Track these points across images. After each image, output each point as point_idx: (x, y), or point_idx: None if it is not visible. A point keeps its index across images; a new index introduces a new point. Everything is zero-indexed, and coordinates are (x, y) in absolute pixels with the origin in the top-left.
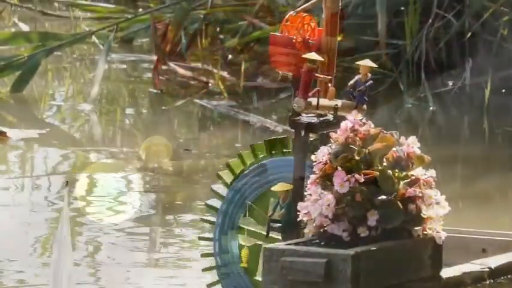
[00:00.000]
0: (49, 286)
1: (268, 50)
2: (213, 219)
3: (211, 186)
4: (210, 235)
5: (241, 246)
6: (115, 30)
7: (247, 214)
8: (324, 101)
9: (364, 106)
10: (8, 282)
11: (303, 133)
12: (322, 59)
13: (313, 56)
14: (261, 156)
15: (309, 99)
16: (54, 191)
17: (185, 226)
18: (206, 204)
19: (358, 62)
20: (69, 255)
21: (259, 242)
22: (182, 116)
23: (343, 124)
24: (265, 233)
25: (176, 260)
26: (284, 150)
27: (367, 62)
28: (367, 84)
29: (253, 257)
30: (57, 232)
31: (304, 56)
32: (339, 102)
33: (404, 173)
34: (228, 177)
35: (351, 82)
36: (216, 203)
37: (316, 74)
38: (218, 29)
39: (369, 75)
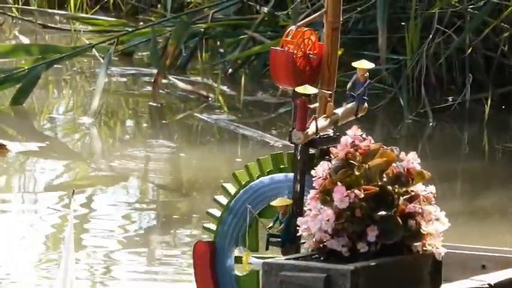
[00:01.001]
0: None
1: (269, 64)
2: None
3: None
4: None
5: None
6: (115, 43)
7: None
8: (322, 123)
9: (365, 105)
10: None
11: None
12: (316, 91)
13: (306, 89)
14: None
15: (307, 130)
16: (54, 204)
17: (182, 239)
18: (207, 213)
19: (354, 64)
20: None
21: (255, 270)
22: (182, 129)
23: (343, 139)
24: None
25: (175, 274)
26: (281, 166)
27: (363, 63)
28: (366, 85)
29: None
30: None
31: (296, 89)
32: (339, 111)
33: (404, 189)
34: (231, 189)
35: (349, 84)
36: (217, 212)
37: (310, 106)
38: (218, 43)
39: (367, 75)
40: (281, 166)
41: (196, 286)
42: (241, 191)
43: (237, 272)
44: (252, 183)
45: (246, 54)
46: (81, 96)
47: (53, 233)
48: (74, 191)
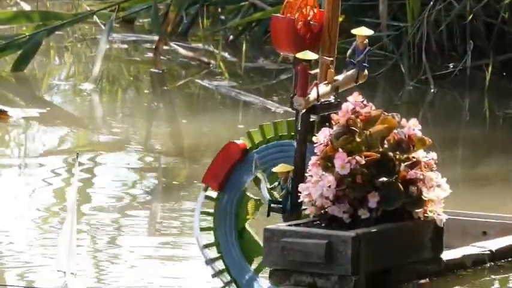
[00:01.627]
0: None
1: (270, 31)
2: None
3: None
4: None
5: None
6: (116, 10)
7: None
8: (323, 89)
9: (366, 72)
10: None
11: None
12: (316, 57)
13: (306, 55)
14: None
15: (308, 96)
16: (56, 169)
17: (185, 205)
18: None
19: (353, 31)
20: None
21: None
22: (183, 96)
23: (344, 106)
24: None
25: (177, 238)
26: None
27: (363, 30)
28: (366, 51)
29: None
30: (67, 203)
31: (297, 55)
32: (340, 77)
33: (405, 155)
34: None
35: (349, 52)
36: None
37: (310, 71)
38: (219, 10)
39: (366, 41)
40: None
41: (207, 171)
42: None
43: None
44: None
45: (247, 21)
46: (82, 63)
47: (55, 197)
48: (77, 154)
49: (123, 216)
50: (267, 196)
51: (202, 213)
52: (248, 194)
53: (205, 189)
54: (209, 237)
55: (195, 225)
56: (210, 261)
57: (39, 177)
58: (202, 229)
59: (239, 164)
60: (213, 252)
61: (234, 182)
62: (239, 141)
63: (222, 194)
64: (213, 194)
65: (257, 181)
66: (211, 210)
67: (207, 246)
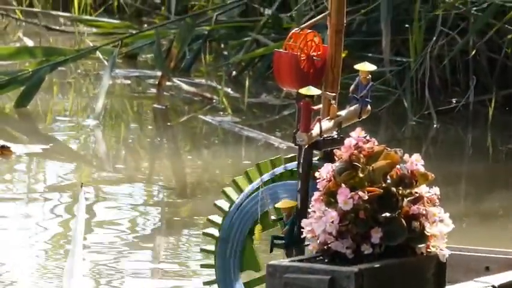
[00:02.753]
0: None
1: (273, 66)
2: (215, 233)
3: (214, 202)
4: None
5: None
6: (119, 45)
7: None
8: (326, 124)
9: (369, 107)
10: None
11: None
12: (319, 93)
13: (309, 90)
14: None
15: (311, 132)
16: (58, 205)
17: (188, 241)
18: (208, 219)
19: (356, 66)
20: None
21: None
22: (186, 131)
23: (347, 141)
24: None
25: (179, 271)
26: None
27: (365, 65)
28: (368, 87)
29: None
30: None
31: (300, 91)
32: (343, 113)
33: (408, 191)
34: (233, 193)
35: (352, 87)
36: (218, 218)
37: (313, 107)
38: (222, 45)
39: (369, 77)
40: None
41: None
42: (242, 195)
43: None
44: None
45: (250, 57)
46: (86, 98)
47: (58, 234)
48: (82, 184)
49: (124, 253)
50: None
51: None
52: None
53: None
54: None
55: None
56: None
57: (42, 212)
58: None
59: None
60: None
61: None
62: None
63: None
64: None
65: None
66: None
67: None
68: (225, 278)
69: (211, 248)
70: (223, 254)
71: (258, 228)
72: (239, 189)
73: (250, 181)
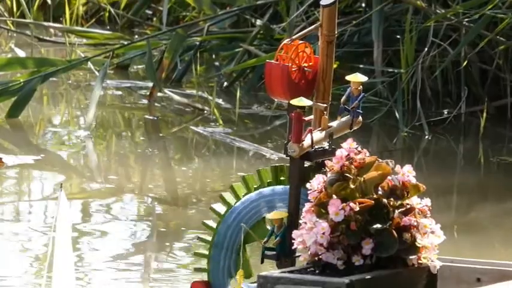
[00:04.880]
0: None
1: (264, 77)
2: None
3: (210, 206)
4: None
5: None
6: (111, 56)
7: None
8: (317, 135)
9: (360, 118)
10: None
11: (298, 161)
12: (310, 104)
13: (301, 101)
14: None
15: (302, 143)
16: (50, 217)
17: (179, 252)
18: (203, 223)
19: (348, 77)
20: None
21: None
22: (178, 142)
23: (338, 152)
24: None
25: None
26: (281, 178)
27: (357, 76)
28: (360, 98)
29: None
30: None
31: (291, 101)
32: (334, 124)
33: (399, 202)
34: (221, 208)
35: (344, 98)
36: (213, 223)
37: (305, 118)
38: (214, 56)
39: (361, 88)
40: (281, 178)
41: None
42: (239, 202)
43: None
44: (250, 194)
45: (241, 67)
46: (77, 109)
47: (47, 245)
48: (61, 185)
49: (116, 264)
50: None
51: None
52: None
53: None
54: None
55: None
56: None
57: (33, 225)
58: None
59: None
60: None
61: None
62: (200, 281)
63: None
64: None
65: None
66: None
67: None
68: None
69: (205, 251)
70: (217, 259)
71: (239, 273)
72: (236, 196)
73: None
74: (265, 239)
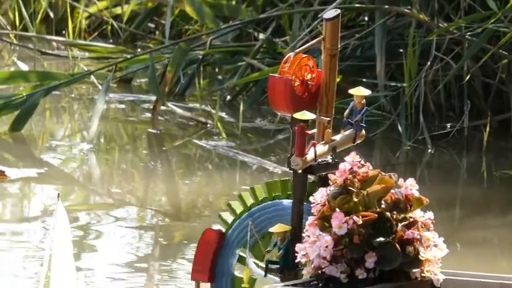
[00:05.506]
0: None
1: (267, 91)
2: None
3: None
4: None
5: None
6: (114, 70)
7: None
8: (321, 149)
9: (363, 132)
10: None
11: (301, 175)
12: (314, 117)
13: (304, 115)
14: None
15: (305, 156)
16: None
17: (182, 265)
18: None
19: (350, 91)
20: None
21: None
22: (181, 156)
23: (341, 166)
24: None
25: None
26: (288, 193)
27: (360, 90)
28: (363, 112)
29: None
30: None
31: (294, 115)
32: (337, 137)
33: (402, 215)
34: (228, 217)
35: (347, 111)
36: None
37: (308, 132)
38: (217, 70)
39: (364, 101)
40: (289, 192)
41: (193, 267)
42: (245, 214)
43: (235, 272)
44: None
45: (244, 81)
46: (80, 122)
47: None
48: (59, 194)
49: (119, 277)
50: (257, 270)
51: None
52: (238, 274)
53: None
54: None
55: None
56: None
57: (36, 238)
58: None
59: (220, 250)
60: None
61: (221, 268)
62: (215, 227)
63: (213, 285)
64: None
65: (242, 260)
66: None
67: None
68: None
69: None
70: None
71: (246, 272)
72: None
73: (244, 205)
74: (269, 249)
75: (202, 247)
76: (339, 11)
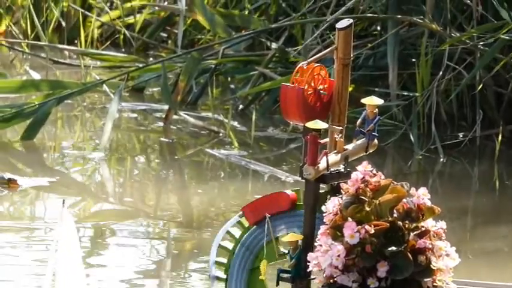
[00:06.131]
0: None
1: (279, 100)
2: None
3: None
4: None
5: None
6: (126, 79)
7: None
8: (333, 158)
9: (375, 141)
10: None
11: (313, 184)
12: (326, 126)
13: (316, 124)
14: None
15: (317, 165)
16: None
17: (193, 274)
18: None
19: (363, 100)
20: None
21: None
22: (193, 165)
23: (353, 175)
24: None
25: None
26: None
27: (372, 100)
28: (375, 121)
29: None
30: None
31: (307, 124)
32: (350, 147)
33: (414, 225)
34: (237, 231)
35: (359, 121)
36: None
37: (320, 141)
38: (229, 79)
39: (376, 111)
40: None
41: (250, 206)
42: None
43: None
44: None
45: (257, 90)
46: (92, 131)
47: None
48: (64, 201)
49: (129, 287)
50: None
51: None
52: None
53: (241, 216)
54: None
55: (216, 238)
56: (213, 278)
57: (48, 246)
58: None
59: (283, 214)
60: (220, 273)
61: (269, 226)
62: (291, 193)
63: (253, 230)
64: (237, 231)
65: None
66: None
67: (217, 263)
68: None
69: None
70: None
71: (263, 263)
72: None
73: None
74: (282, 252)
75: (271, 200)
76: (351, 20)
